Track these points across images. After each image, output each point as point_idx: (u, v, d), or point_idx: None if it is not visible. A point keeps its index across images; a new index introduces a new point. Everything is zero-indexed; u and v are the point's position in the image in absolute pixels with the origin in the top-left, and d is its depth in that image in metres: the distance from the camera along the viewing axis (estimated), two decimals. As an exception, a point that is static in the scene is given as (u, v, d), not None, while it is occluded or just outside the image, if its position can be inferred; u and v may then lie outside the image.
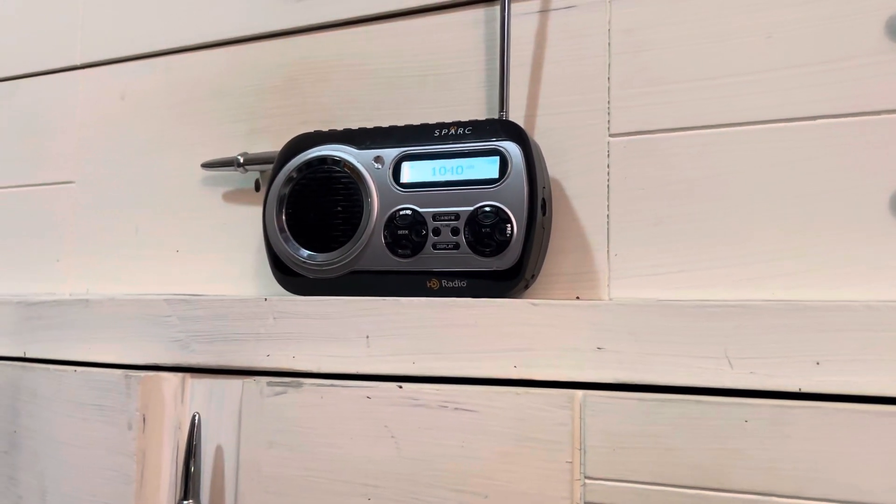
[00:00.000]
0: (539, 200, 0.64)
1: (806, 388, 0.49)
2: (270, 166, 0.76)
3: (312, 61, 0.85)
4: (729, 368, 0.51)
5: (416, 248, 0.66)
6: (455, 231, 0.65)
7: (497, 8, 0.75)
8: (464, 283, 0.65)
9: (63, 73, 1.02)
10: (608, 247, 0.69)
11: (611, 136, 0.70)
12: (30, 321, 0.78)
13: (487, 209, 0.64)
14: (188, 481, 0.66)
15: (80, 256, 0.98)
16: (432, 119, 0.70)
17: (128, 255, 0.94)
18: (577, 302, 0.56)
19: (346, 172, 0.70)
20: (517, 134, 0.65)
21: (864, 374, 0.47)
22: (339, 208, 0.70)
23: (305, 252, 0.70)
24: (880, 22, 0.63)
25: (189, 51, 0.93)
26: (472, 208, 0.65)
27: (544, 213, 0.66)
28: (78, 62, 1.01)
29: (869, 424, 0.47)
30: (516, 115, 0.73)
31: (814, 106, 0.64)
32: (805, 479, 0.48)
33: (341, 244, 0.69)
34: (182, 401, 0.69)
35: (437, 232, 0.66)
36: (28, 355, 0.77)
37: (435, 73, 0.79)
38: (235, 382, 0.66)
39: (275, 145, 0.79)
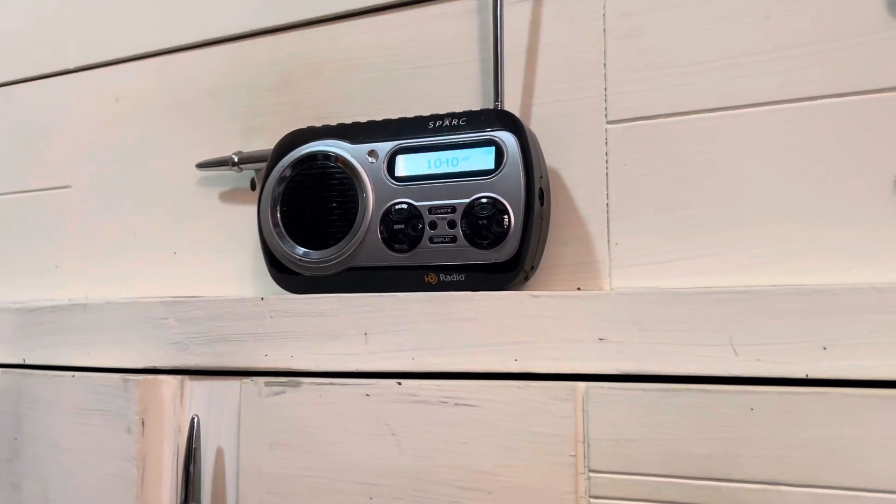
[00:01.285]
0: (536, 190, 0.63)
1: (813, 374, 0.48)
2: (265, 164, 0.75)
3: (305, 57, 0.84)
4: (734, 356, 0.50)
5: (412, 242, 0.65)
6: (452, 224, 0.64)
7: (490, -3, 0.74)
8: (462, 277, 0.64)
9: (57, 77, 1.02)
10: (608, 236, 0.68)
11: (608, 122, 0.69)
12: (29, 328, 0.77)
13: (484, 200, 0.63)
14: (189, 484, 0.65)
15: (79, 261, 0.97)
16: (428, 112, 0.69)
17: (126, 258, 0.94)
18: (578, 293, 0.55)
19: (340, 168, 0.69)
20: (512, 123, 0.64)
21: (872, 357, 0.46)
22: (334, 204, 0.69)
23: (301, 249, 0.70)
24: (881, -2, 0.61)
25: (181, 51, 0.92)
26: (468, 200, 0.64)
27: (542, 203, 0.65)
28: (71, 66, 1.00)
29: (879, 409, 0.46)
30: (512, 105, 0.72)
31: (815, 86, 0.63)
32: (815, 466, 0.47)
33: (337, 241, 0.68)
34: (181, 403, 0.68)
35: (433, 225, 0.65)
36: (28, 362, 0.77)
37: (428, 64, 0.78)
38: (234, 383, 0.65)
39: (270, 143, 0.78)
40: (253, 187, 0.85)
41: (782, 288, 0.49)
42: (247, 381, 0.64)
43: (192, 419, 0.66)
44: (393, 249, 0.66)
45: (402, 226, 0.66)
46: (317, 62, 0.84)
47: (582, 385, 0.53)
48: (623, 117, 0.69)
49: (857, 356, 0.47)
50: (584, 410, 0.53)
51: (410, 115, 0.70)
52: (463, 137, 0.65)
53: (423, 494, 0.57)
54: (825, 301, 0.48)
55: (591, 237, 0.69)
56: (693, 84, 0.66)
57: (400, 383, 0.58)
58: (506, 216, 0.62)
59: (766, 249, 0.63)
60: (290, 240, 0.70)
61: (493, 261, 0.63)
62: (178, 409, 0.68)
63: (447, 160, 0.65)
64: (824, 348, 0.47)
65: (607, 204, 0.69)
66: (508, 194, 0.63)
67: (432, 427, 0.57)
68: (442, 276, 0.65)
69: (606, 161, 0.69)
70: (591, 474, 0.52)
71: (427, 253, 0.65)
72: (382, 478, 0.58)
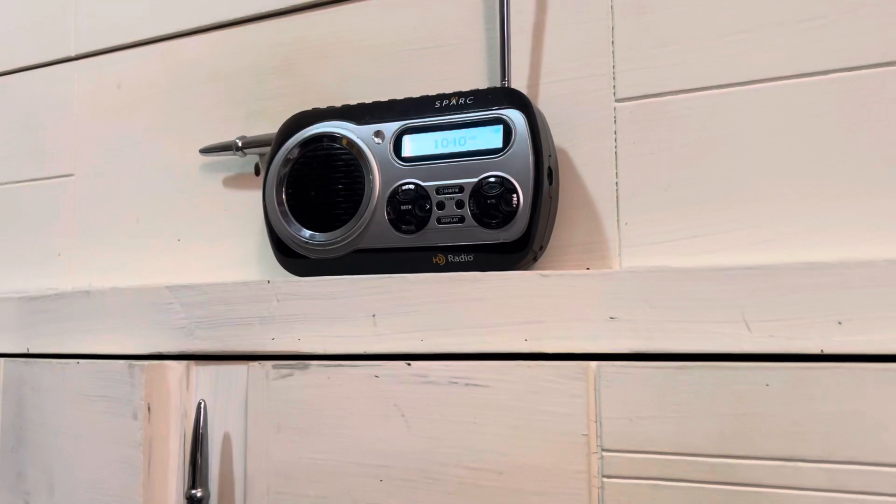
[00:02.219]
0: (545, 169, 0.63)
1: (828, 350, 0.47)
2: (269, 148, 0.74)
3: (310, 40, 0.84)
4: (747, 332, 0.49)
5: (420, 223, 0.65)
6: (460, 204, 0.63)
7: (496, -25, 0.73)
8: (471, 258, 0.63)
9: (58, 65, 1.01)
10: (618, 215, 0.68)
11: (617, 101, 0.68)
12: (32, 316, 0.77)
13: (492, 180, 0.62)
14: (196, 470, 0.64)
15: (82, 250, 0.96)
16: (435, 93, 0.68)
17: (130, 246, 0.93)
18: (588, 272, 0.55)
19: (345, 149, 0.68)
20: (520, 101, 0.64)
21: (888, 331, 0.46)
22: (340, 186, 0.68)
23: (307, 232, 0.69)
24: (892, -29, 0.61)
25: (184, 36, 0.92)
26: (476, 180, 0.63)
27: (551, 183, 0.64)
28: (72, 53, 0.99)
29: (895, 383, 0.45)
30: (519, 84, 0.72)
31: (825, 60, 0.62)
32: (831, 442, 0.46)
33: (344, 223, 0.67)
34: (187, 388, 0.68)
35: (441, 206, 0.64)
36: (31, 351, 0.76)
37: (435, 45, 0.77)
38: (240, 368, 0.65)
39: (275, 127, 0.77)
40: (257, 172, 0.84)
41: (795, 263, 0.48)
42: (254, 364, 0.63)
43: (199, 404, 0.66)
44: (400, 231, 0.65)
45: (410, 206, 0.65)
46: (322, 45, 0.83)
47: (593, 364, 0.52)
48: (631, 95, 0.68)
49: (872, 330, 0.46)
50: (595, 389, 0.52)
51: (417, 95, 0.69)
52: (470, 116, 0.64)
53: (434, 476, 0.56)
54: (839, 275, 0.47)
55: (601, 216, 0.68)
56: (701, 60, 0.66)
57: (409, 364, 0.58)
58: (514, 195, 0.62)
59: (777, 226, 0.62)
60: (295, 222, 0.70)
61: (501, 240, 0.62)
62: (184, 394, 0.68)
63: (454, 139, 0.65)
64: (839, 323, 0.47)
65: (616, 183, 0.68)
66: (517, 173, 0.62)
67: (442, 408, 0.56)
68: (450, 257, 0.64)
69: (615, 139, 0.68)
70: (604, 453, 0.52)
71: (435, 233, 0.64)
72: (392, 459, 0.57)
